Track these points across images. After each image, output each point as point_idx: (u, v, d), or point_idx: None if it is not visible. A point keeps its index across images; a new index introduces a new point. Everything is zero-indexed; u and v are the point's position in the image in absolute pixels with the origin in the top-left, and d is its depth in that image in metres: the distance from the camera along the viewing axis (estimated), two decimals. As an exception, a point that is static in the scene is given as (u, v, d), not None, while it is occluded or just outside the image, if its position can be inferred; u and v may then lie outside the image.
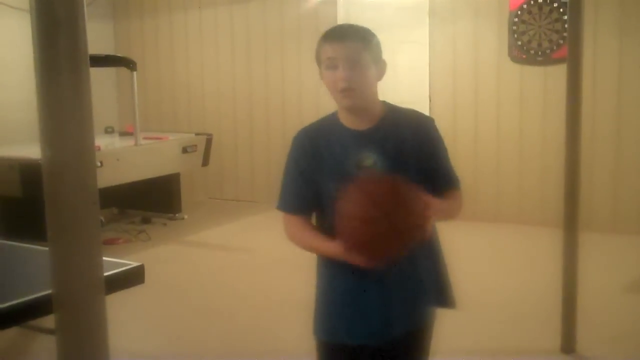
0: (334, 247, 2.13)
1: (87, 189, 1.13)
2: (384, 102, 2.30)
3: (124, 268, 2.94)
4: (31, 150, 6.12)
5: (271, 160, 8.38)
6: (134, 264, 2.99)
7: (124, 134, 7.77)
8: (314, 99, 7.95)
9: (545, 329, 4.25)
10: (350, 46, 2.17)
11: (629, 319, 4.58)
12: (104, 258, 3.00)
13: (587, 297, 4.30)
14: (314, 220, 2.36)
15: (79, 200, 1.12)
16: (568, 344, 4.06)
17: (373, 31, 2.27)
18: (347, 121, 2.25)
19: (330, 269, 2.29)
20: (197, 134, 7.86)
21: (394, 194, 2.02)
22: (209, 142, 7.76)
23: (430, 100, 7.20)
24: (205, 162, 7.79)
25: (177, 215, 7.69)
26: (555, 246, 4.18)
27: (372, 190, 2.04)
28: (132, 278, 2.93)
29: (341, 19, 7.72)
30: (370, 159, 2.20)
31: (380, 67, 2.24)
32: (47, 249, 1.20)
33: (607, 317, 4.57)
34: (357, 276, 2.19)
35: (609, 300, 4.90)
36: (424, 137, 2.28)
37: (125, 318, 4.69)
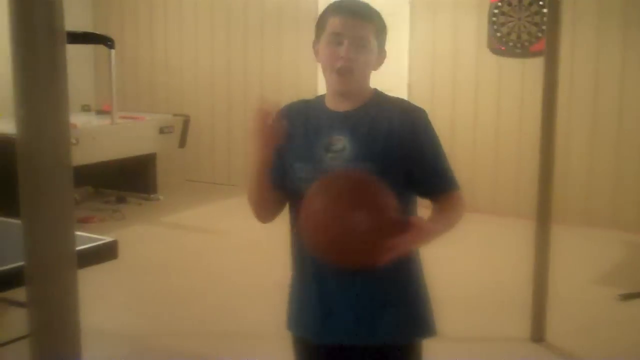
0: (255, 159, 2.05)
1: (61, 164, 1.13)
2: (374, 89, 2.13)
3: (97, 243, 2.94)
4: (4, 125, 6.06)
5: (248, 143, 8.35)
6: (108, 239, 2.99)
7: (100, 112, 7.71)
8: (293, 83, 7.93)
9: (516, 318, 4.30)
10: (363, 25, 2.00)
11: (597, 311, 4.65)
12: (78, 233, 2.99)
13: (557, 288, 4.36)
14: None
15: (52, 175, 1.12)
16: (538, 333, 4.12)
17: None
18: (331, 103, 2.10)
19: (296, 258, 2.19)
20: (174, 115, 7.82)
21: (367, 195, 1.86)
22: (186, 123, 7.73)
23: (408, 89, 7.22)
24: (182, 143, 7.76)
25: (152, 195, 7.67)
26: (528, 238, 4.23)
27: (342, 188, 1.88)
28: (106, 253, 2.93)
29: (322, 4, 7.69)
30: (340, 142, 2.02)
31: (382, 56, 2.10)
32: (18, 222, 1.20)
33: (577, 308, 4.64)
34: (327, 274, 2.05)
35: (579, 291, 4.97)
36: (410, 129, 2.05)
37: (98, 295, 4.67)
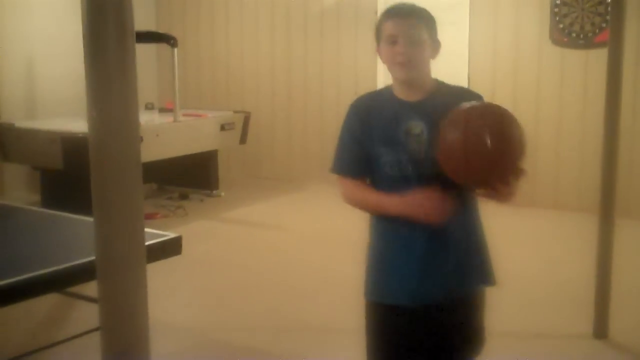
0: (396, 201, 2.29)
1: (131, 162, 1.17)
2: (435, 78, 2.43)
3: (162, 239, 3.01)
4: (72, 124, 6.23)
5: (308, 139, 8.42)
6: (172, 234, 3.05)
7: (163, 110, 7.85)
8: (352, 79, 7.95)
9: (579, 314, 4.24)
10: (411, 23, 2.31)
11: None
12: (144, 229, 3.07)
13: (621, 284, 4.28)
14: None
15: (123, 173, 1.17)
16: (600, 329, 4.06)
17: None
18: (400, 93, 2.38)
19: (379, 233, 2.44)
20: (235, 112, 7.91)
21: (509, 137, 2.15)
22: (246, 120, 7.82)
23: (469, 82, 7.16)
24: (243, 140, 7.85)
25: (214, 192, 7.78)
26: (592, 232, 4.16)
27: (495, 120, 2.17)
28: (170, 248, 3.00)
29: (381, 2, 7.69)
30: (418, 127, 2.31)
31: (436, 46, 2.38)
32: (86, 218, 1.25)
33: (641, 305, 4.55)
34: (403, 241, 2.36)
35: (644, 287, 4.87)
36: None
37: (162, 289, 4.78)
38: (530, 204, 6.98)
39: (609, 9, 4.25)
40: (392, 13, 2.35)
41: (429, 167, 2.25)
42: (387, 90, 2.43)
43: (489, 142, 2.09)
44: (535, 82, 7.03)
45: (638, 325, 4.22)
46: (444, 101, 2.29)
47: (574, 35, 6.79)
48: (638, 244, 5.71)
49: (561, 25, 6.82)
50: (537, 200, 7.06)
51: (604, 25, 6.50)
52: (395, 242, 2.40)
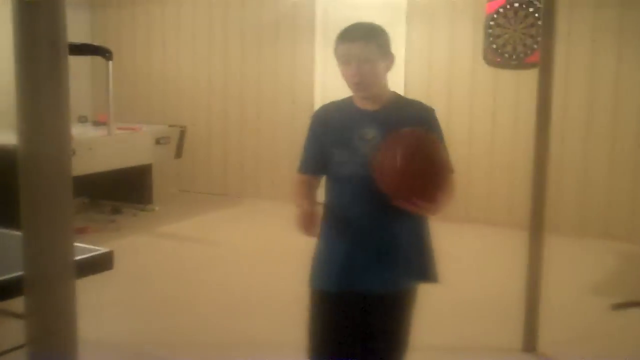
0: (303, 207, 2.56)
1: (61, 176, 1.15)
2: (393, 91, 2.70)
3: (93, 253, 2.95)
4: (3, 136, 6.08)
5: (244, 153, 8.40)
6: (103, 249, 3.00)
7: (97, 123, 7.73)
8: (289, 93, 7.98)
9: (508, 328, 4.32)
10: (361, 45, 2.53)
11: (590, 320, 4.67)
12: (75, 244, 3.00)
13: (550, 298, 4.38)
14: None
15: (53, 187, 1.14)
16: (530, 343, 4.14)
17: (382, 26, 2.65)
18: (359, 103, 2.64)
19: (328, 225, 2.65)
20: (170, 126, 7.85)
21: (432, 160, 2.48)
22: (182, 134, 7.76)
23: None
24: (178, 154, 7.78)
25: (148, 206, 7.68)
26: (522, 247, 4.25)
27: (415, 149, 2.47)
28: (101, 264, 2.94)
29: (319, 17, 7.75)
30: (371, 133, 2.56)
31: (389, 60, 2.61)
32: (17, 233, 1.22)
33: (569, 318, 4.66)
34: (353, 233, 2.60)
35: (571, 301, 4.99)
36: (421, 122, 2.62)
37: (94, 305, 4.69)
38: (463, 219, 7.11)
39: (540, 30, 4.37)
40: (344, 37, 2.58)
41: None
42: (349, 99, 2.68)
43: (398, 162, 2.40)
44: (469, 100, 7.18)
45: (566, 338, 4.33)
46: (398, 112, 2.61)
47: (506, 55, 6.96)
48: (567, 258, 5.87)
49: (494, 46, 6.98)
50: (470, 216, 7.19)
51: (535, 46, 6.68)
52: (331, 234, 2.65)
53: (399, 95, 2.73)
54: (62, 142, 1.13)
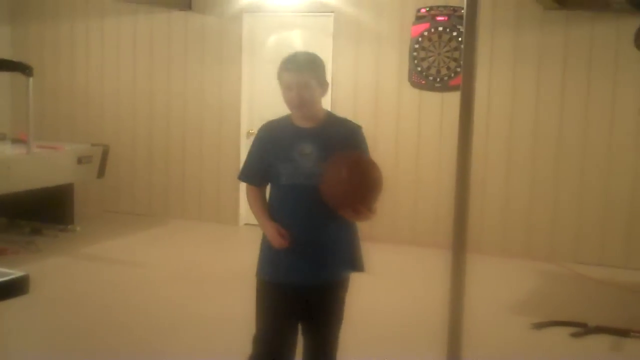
0: (268, 226, 3.01)
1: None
2: (326, 110, 3.12)
3: (6, 278, 2.84)
4: None
5: (169, 174, 8.28)
6: (18, 273, 2.90)
7: (16, 141, 7.50)
8: (216, 113, 7.93)
9: (432, 347, 4.33)
10: (302, 75, 2.94)
11: (512, 339, 4.75)
12: (-14, 268, 2.88)
13: (473, 317, 4.41)
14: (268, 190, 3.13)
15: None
16: (454, 362, 4.16)
17: (319, 56, 3.07)
18: (297, 121, 3.04)
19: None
20: (93, 145, 7.68)
21: (370, 177, 2.88)
22: (105, 153, 7.60)
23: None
24: (101, 173, 7.62)
25: (69, 227, 7.48)
26: (446, 267, 4.29)
27: (356, 168, 2.87)
28: (16, 288, 2.84)
29: (246, 34, 7.74)
30: (308, 148, 2.95)
31: (324, 87, 3.03)
32: None
33: (492, 337, 4.72)
34: (293, 233, 2.98)
35: (494, 320, 5.07)
36: (350, 138, 3.05)
37: (11, 331, 4.53)
38: (388, 239, 7.16)
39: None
40: (287, 66, 2.98)
41: (315, 180, 2.87)
42: (287, 118, 3.08)
43: (343, 179, 2.81)
44: (395, 121, 7.26)
45: (489, 357, 4.38)
46: (330, 129, 3.03)
47: (430, 78, 7.07)
48: (490, 278, 5.97)
49: (419, 69, 7.09)
50: (396, 236, 7.25)
51: (458, 69, 6.81)
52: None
53: (331, 114, 3.14)
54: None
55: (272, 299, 3.10)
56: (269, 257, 3.09)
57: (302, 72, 2.96)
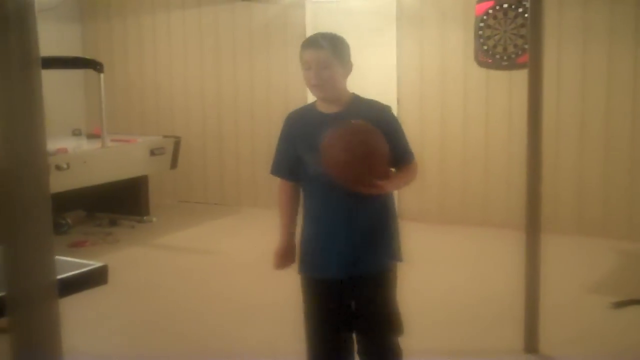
0: (279, 237, 3.00)
1: (38, 192, 1.14)
2: (352, 93, 2.94)
3: (86, 268, 2.92)
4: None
5: (240, 162, 8.38)
6: (97, 264, 2.97)
7: (91, 136, 7.72)
8: (282, 100, 7.97)
9: (509, 329, 4.30)
10: (320, 53, 2.81)
11: (590, 319, 4.66)
12: (67, 259, 2.98)
13: (550, 298, 4.37)
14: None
15: (31, 205, 1.13)
16: (531, 344, 4.12)
17: (343, 37, 2.92)
18: (321, 107, 2.92)
19: (307, 219, 2.98)
20: (165, 137, 7.84)
21: (367, 144, 2.72)
22: (177, 144, 7.75)
23: (398, 104, 7.25)
24: (174, 164, 7.77)
25: (145, 218, 7.66)
26: (520, 248, 4.24)
27: (350, 139, 2.72)
28: (95, 279, 2.91)
29: (309, 23, 7.75)
30: None
31: (347, 68, 2.88)
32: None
33: (570, 318, 4.65)
34: (326, 226, 2.89)
35: (571, 300, 4.98)
36: (380, 120, 2.85)
37: (91, 319, 4.67)
38: (459, 221, 7.10)
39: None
40: (307, 44, 2.89)
41: None
42: (312, 104, 2.98)
43: (340, 154, 2.69)
44: (462, 102, 7.17)
45: (567, 338, 4.31)
46: (357, 112, 2.85)
47: (497, 56, 6.95)
48: (566, 258, 5.85)
49: (485, 47, 6.98)
50: (467, 218, 7.18)
51: (526, 46, 6.66)
52: (312, 225, 2.96)
53: (358, 97, 2.96)
54: (37, 159, 1.12)
55: (314, 294, 3.00)
56: (307, 253, 2.98)
57: (321, 49, 2.82)
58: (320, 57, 2.80)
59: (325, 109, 2.90)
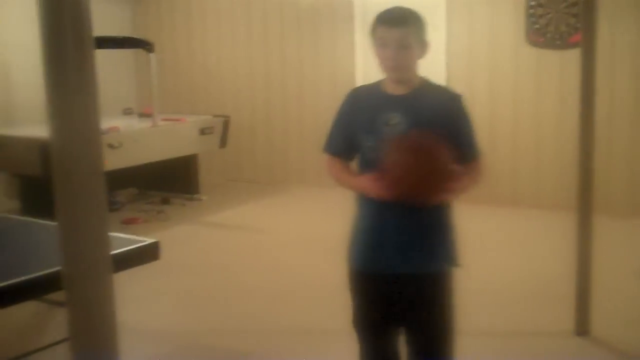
0: (362, 180, 2.61)
1: (93, 170, 1.16)
2: (422, 76, 2.69)
3: (139, 244, 2.98)
4: (36, 129, 6.20)
5: (289, 142, 8.41)
6: (149, 240, 3.03)
7: (142, 115, 7.82)
8: (331, 80, 7.95)
9: (560, 311, 4.26)
10: (399, 30, 2.54)
11: (642, 303, 4.58)
12: (120, 235, 3.03)
13: (601, 281, 4.30)
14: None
15: (85, 181, 1.15)
16: (582, 326, 4.08)
17: (420, 13, 2.65)
18: (387, 87, 2.66)
19: (361, 209, 2.73)
20: (214, 116, 7.90)
21: (433, 153, 2.48)
22: (226, 123, 7.80)
23: (446, 84, 7.18)
24: (223, 143, 7.83)
25: (195, 196, 7.76)
26: (572, 230, 4.18)
27: (417, 146, 2.49)
28: (148, 254, 2.97)
29: (358, 2, 7.70)
30: (396, 118, 2.58)
31: (424, 47, 2.63)
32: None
33: (622, 301, 4.58)
34: (380, 218, 2.64)
35: (624, 283, 4.90)
36: (450, 110, 2.66)
37: (144, 295, 4.77)
38: (510, 203, 7.03)
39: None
40: (383, 19, 2.58)
41: None
42: (378, 83, 2.71)
43: (399, 171, 2.46)
44: (513, 82, 7.06)
45: (619, 321, 4.25)
46: (424, 97, 2.63)
47: (549, 35, 6.82)
48: (618, 240, 5.75)
49: (537, 26, 6.86)
50: (518, 200, 7.10)
51: (578, 25, 6.52)
52: (366, 217, 2.72)
53: (428, 81, 2.71)
54: (92, 136, 1.14)
55: (362, 289, 2.80)
56: (357, 244, 2.76)
57: (402, 26, 2.55)
58: (400, 35, 2.54)
59: (393, 89, 2.64)
